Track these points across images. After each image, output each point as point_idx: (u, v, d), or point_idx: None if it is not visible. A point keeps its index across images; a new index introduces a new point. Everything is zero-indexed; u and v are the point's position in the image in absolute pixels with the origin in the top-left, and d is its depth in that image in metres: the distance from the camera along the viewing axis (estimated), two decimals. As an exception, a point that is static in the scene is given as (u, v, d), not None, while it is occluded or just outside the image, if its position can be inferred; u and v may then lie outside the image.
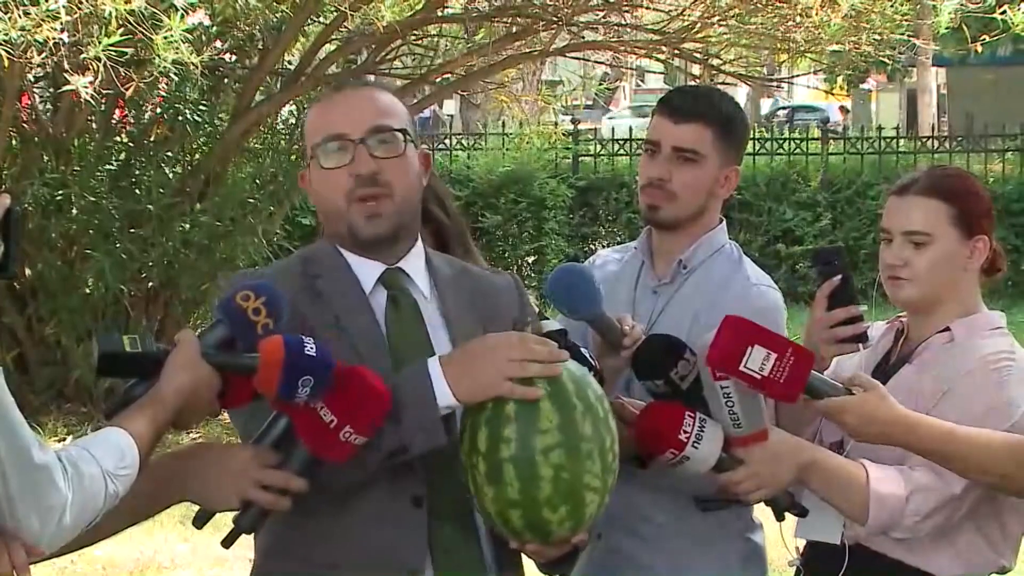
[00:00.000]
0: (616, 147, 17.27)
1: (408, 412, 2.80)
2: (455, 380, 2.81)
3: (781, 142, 17.02)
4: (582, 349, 3.06)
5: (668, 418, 3.05)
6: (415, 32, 10.49)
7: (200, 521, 2.86)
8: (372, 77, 11.15)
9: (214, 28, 9.71)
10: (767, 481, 3.11)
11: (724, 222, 3.66)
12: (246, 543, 2.93)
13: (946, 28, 9.51)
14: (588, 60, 12.64)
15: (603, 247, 11.26)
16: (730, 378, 3.02)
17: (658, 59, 11.72)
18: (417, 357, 2.88)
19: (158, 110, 10.33)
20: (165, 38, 7.47)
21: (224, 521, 2.84)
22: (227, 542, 2.84)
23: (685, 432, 3.03)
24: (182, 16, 7.50)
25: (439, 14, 10.26)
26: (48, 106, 10.42)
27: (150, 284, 10.18)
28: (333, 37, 10.48)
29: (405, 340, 2.94)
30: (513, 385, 2.77)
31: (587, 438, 2.78)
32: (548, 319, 3.49)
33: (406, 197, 3.00)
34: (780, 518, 3.30)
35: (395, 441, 2.82)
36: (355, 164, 2.94)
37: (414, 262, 3.06)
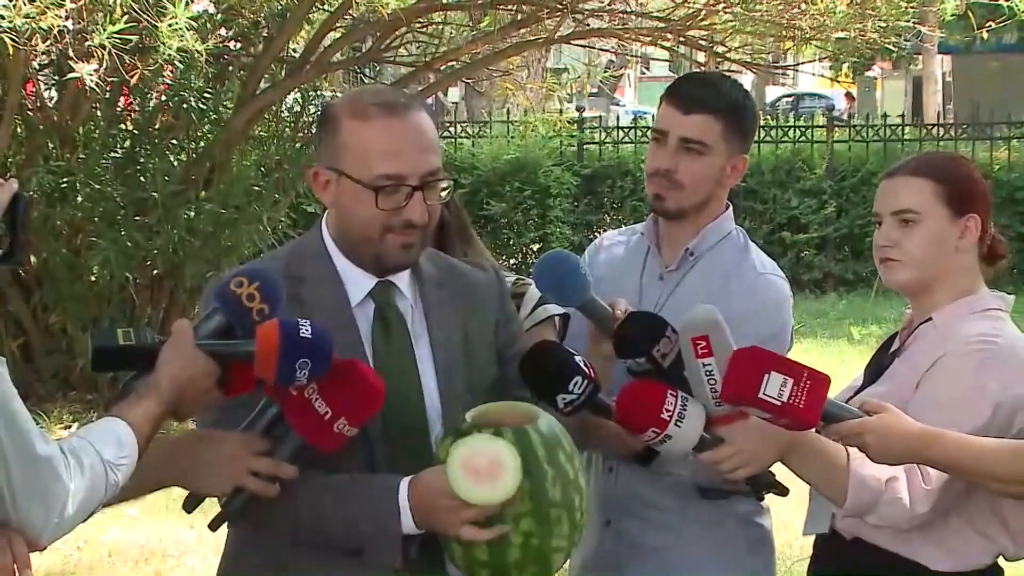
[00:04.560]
0: (621, 135, 17.25)
1: (371, 530, 2.85)
2: (419, 518, 2.84)
3: (786, 129, 16.99)
4: (576, 357, 3.06)
5: (650, 396, 3.03)
6: (419, 19, 10.45)
7: (190, 505, 2.88)
8: (377, 66, 11.14)
9: (219, 16, 9.70)
10: (749, 460, 3.09)
11: (731, 208, 3.65)
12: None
13: (952, 15, 9.48)
14: (593, 47, 12.61)
15: (608, 235, 11.23)
16: (711, 359, 2.99)
17: (663, 47, 11.68)
18: (401, 378, 2.90)
19: (163, 98, 10.30)
20: (170, 26, 7.44)
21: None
22: (214, 526, 2.87)
23: (667, 410, 3.01)
24: (187, 4, 7.48)
25: (443, 1, 10.22)
26: (53, 94, 10.40)
27: (155, 272, 10.16)
28: (338, 25, 10.44)
29: (390, 361, 2.92)
30: (472, 530, 2.78)
31: (557, 504, 2.80)
32: (550, 304, 3.49)
33: (431, 229, 3.03)
34: (760, 497, 3.28)
35: (354, 544, 2.87)
36: (409, 210, 2.92)
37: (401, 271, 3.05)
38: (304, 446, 2.81)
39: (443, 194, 3.00)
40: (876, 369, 3.39)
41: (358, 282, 3.01)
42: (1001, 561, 3.28)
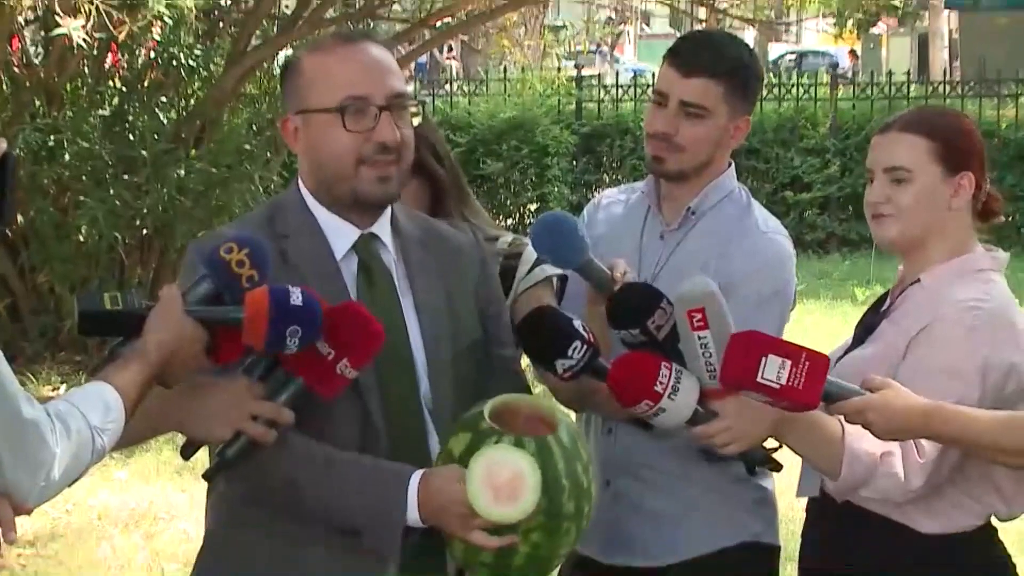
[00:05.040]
0: (620, 93, 17.21)
1: (372, 516, 2.87)
2: (426, 515, 2.85)
3: (789, 87, 16.95)
4: (575, 321, 3.04)
5: (644, 368, 3.01)
6: (415, -26, 10.42)
7: (188, 452, 2.89)
8: (371, 22, 11.10)
9: (209, -30, 9.66)
10: (741, 435, 3.07)
11: (733, 165, 3.63)
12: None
13: (959, -30, 9.45)
14: (592, 3, 12.56)
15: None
16: (706, 331, 2.98)
17: (663, 2, 11.65)
18: (389, 332, 2.88)
19: (152, 55, 10.27)
20: (159, -20, 7.42)
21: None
22: (210, 474, 2.88)
23: (661, 383, 2.99)
24: (176, -43, 7.45)
25: (439, -45, 10.19)
26: (39, 50, 10.37)
27: (144, 232, 10.15)
28: (331, -21, 10.41)
29: (377, 313, 2.89)
30: (482, 536, 2.81)
31: (569, 517, 2.84)
32: (547, 264, 3.48)
33: (408, 161, 3.02)
34: (751, 472, 3.27)
35: (353, 525, 2.88)
36: (379, 131, 2.94)
37: (383, 224, 3.05)
38: (302, 392, 2.82)
39: (414, 120, 3.02)
40: (865, 329, 3.38)
41: (341, 234, 3.01)
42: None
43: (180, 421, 2.84)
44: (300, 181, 3.07)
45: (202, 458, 2.97)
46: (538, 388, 3.68)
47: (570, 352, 3.00)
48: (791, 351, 2.90)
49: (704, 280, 3.08)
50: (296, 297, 2.71)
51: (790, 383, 2.87)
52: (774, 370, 2.87)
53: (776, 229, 3.59)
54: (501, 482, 2.75)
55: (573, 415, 3.76)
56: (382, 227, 3.05)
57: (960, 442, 3.04)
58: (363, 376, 2.88)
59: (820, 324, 11.04)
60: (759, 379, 2.88)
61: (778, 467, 3.23)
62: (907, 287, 3.31)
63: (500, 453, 2.78)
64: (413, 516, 2.85)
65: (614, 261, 3.31)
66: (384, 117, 2.94)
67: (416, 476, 2.86)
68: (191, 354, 2.70)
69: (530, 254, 3.58)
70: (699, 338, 3.01)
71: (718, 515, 3.56)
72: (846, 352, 3.36)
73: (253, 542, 2.97)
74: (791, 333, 3.56)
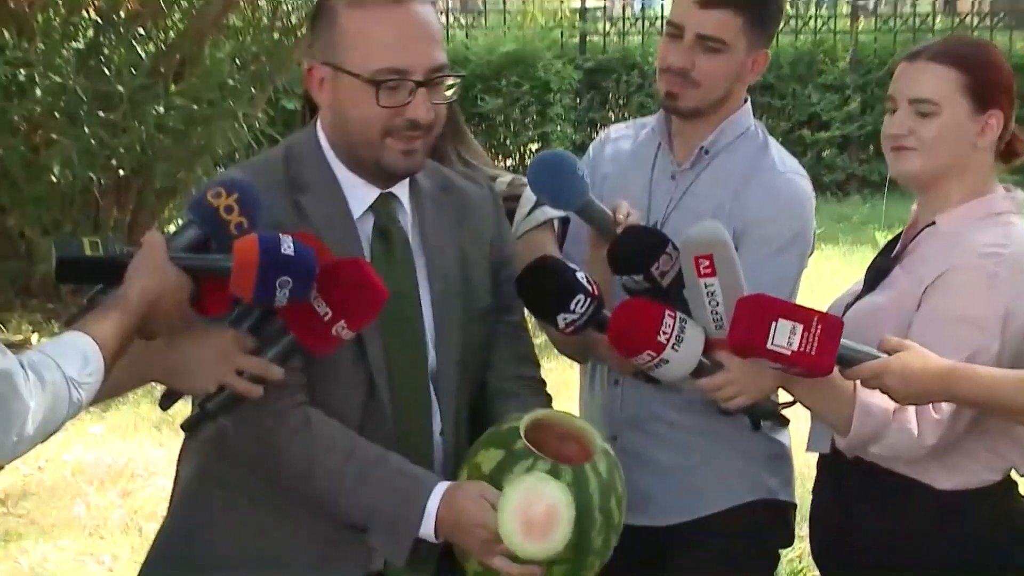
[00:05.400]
0: (627, 25, 17.15)
1: (385, 522, 2.88)
2: (444, 531, 2.86)
3: (807, 19, 16.90)
4: (578, 273, 3.02)
5: (647, 317, 2.99)
6: None
7: (166, 402, 2.89)
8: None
9: None
10: (748, 387, 3.06)
11: (748, 101, 3.61)
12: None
13: None
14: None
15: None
16: (713, 278, 2.97)
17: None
18: (401, 298, 2.88)
19: (129, -18, 10.23)
20: (135, -98, 7.37)
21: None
22: (190, 426, 2.88)
23: (664, 333, 2.97)
24: None
25: None
26: (9, -22, 10.32)
27: (121, 172, 10.12)
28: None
29: (391, 280, 2.87)
30: (505, 562, 2.82)
31: (596, 552, 2.86)
32: (548, 206, 3.46)
33: (436, 133, 2.99)
34: (756, 427, 3.27)
35: (364, 525, 2.90)
36: (413, 108, 2.89)
37: (402, 183, 3.03)
38: (294, 348, 2.81)
39: (448, 93, 2.97)
40: (877, 273, 3.37)
41: (360, 193, 2.98)
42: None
43: (165, 371, 2.84)
44: (319, 128, 3.02)
45: (183, 412, 2.96)
46: (539, 339, 3.67)
47: (572, 306, 2.98)
48: (802, 314, 2.88)
49: (713, 224, 3.06)
50: (287, 246, 2.69)
51: (802, 348, 2.87)
52: (785, 335, 2.86)
53: (794, 169, 3.58)
54: (535, 516, 2.76)
55: (578, 367, 3.76)
56: (401, 186, 3.03)
57: (980, 403, 3.04)
58: (370, 344, 2.88)
59: (839, 271, 11.04)
60: (769, 346, 2.87)
61: (785, 422, 3.21)
62: (921, 230, 3.30)
63: (538, 484, 2.78)
64: (427, 529, 2.86)
65: (617, 202, 3.29)
66: (420, 94, 2.88)
67: (439, 489, 2.87)
68: (175, 303, 2.68)
69: (529, 195, 3.56)
70: (706, 285, 2.99)
71: (732, 471, 3.57)
72: (857, 298, 3.34)
73: (233, 505, 2.98)
74: (807, 279, 3.54)
